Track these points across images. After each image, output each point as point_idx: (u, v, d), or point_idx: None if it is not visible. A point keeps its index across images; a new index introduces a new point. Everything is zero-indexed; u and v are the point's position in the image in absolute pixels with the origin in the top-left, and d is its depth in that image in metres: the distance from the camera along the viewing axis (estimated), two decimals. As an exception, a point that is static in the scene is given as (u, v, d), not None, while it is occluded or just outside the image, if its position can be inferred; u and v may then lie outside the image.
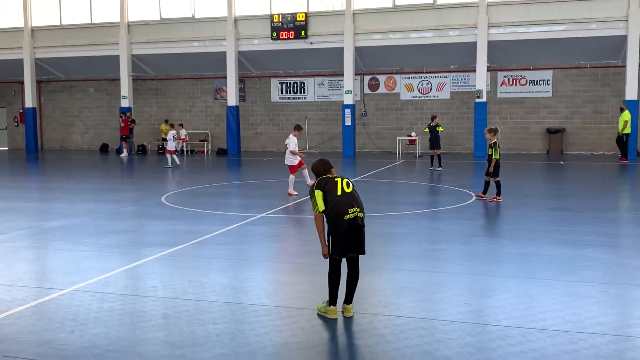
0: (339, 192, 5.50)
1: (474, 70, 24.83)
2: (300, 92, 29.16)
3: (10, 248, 8.60)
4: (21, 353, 4.77)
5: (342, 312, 5.57)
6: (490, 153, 12.54)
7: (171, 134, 21.88)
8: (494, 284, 6.79)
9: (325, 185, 5.56)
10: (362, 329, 5.31)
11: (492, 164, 12.44)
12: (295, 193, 13.46)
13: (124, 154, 27.25)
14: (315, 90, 28.93)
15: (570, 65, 25.67)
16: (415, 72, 27.56)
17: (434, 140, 19.63)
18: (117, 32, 28.70)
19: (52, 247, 8.76)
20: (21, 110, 32.42)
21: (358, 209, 5.49)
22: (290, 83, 29.29)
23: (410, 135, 25.79)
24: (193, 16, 28.17)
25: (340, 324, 5.41)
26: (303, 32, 26.02)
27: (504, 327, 5.26)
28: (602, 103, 25.55)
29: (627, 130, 21.92)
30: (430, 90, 27.48)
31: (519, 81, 26.41)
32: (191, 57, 28.43)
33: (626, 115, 21.86)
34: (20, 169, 23.02)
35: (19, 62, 30.05)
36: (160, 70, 30.35)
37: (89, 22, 29.57)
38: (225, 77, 27.62)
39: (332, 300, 5.51)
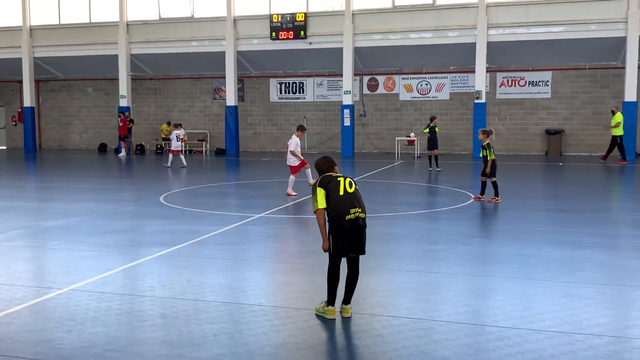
0: (342, 192, 5.50)
1: (473, 71, 24.83)
2: (299, 92, 29.15)
3: (9, 247, 8.59)
4: (19, 352, 4.77)
5: (341, 312, 5.57)
6: (484, 154, 12.56)
7: (174, 134, 21.88)
8: (492, 284, 6.79)
9: (328, 184, 5.56)
10: (360, 330, 5.31)
11: (489, 165, 12.46)
12: (294, 194, 13.42)
13: (123, 153, 27.22)
14: (314, 90, 28.92)
15: (570, 66, 25.68)
16: (415, 73, 27.55)
17: (433, 140, 19.65)
18: (116, 31, 28.66)
19: (50, 247, 8.76)
20: (19, 110, 32.35)
21: (360, 210, 5.50)
22: (289, 83, 29.27)
23: (409, 136, 25.78)
24: (192, 16, 28.15)
25: (338, 324, 5.41)
26: (302, 32, 26.01)
27: (502, 328, 5.26)
28: (601, 104, 25.53)
29: (620, 132, 21.94)
30: (430, 90, 27.48)
31: (518, 82, 26.41)
32: (190, 56, 28.42)
33: (618, 117, 21.92)
34: (18, 168, 22.98)
35: (18, 61, 30.01)
36: (159, 69, 30.33)
37: (88, 21, 29.52)
38: (224, 77, 27.60)
39: (331, 301, 5.51)
